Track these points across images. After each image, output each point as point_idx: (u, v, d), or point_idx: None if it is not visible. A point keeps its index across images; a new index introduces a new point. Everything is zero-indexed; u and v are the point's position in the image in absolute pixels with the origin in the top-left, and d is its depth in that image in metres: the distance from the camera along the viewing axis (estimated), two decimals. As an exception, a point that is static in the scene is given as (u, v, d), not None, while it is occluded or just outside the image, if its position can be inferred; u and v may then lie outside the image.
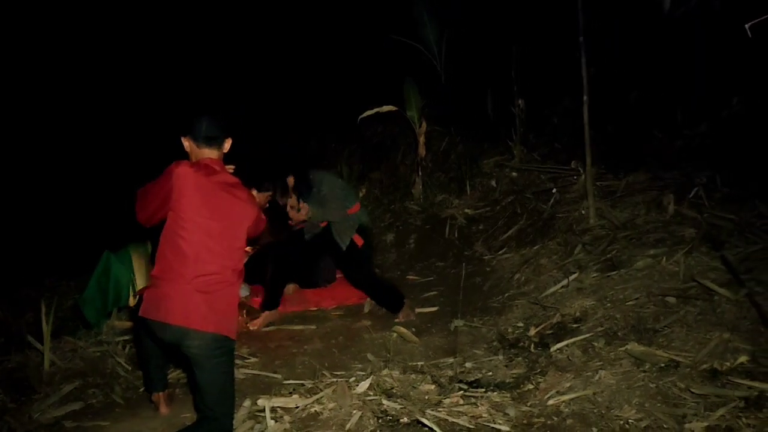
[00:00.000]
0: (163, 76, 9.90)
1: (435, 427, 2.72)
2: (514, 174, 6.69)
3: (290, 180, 4.80)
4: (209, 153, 2.92)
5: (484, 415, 2.95)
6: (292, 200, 4.74)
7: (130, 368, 3.74)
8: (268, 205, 4.98)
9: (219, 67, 10.34)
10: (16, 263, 5.94)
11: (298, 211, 4.66)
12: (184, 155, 2.97)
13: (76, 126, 9.13)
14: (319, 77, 10.11)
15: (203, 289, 2.68)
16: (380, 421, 2.92)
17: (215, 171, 2.87)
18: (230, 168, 3.14)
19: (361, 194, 7.90)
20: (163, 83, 9.73)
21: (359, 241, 4.84)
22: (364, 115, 6.77)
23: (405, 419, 2.90)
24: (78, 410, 3.37)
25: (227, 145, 3.00)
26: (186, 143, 2.96)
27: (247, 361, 4.06)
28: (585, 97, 5.15)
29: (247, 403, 3.23)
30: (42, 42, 9.40)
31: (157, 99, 9.11)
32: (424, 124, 7.16)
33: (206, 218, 2.76)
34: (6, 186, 7.91)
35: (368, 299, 5.17)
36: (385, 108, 6.82)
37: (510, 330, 4.13)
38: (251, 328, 4.77)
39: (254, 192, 3.57)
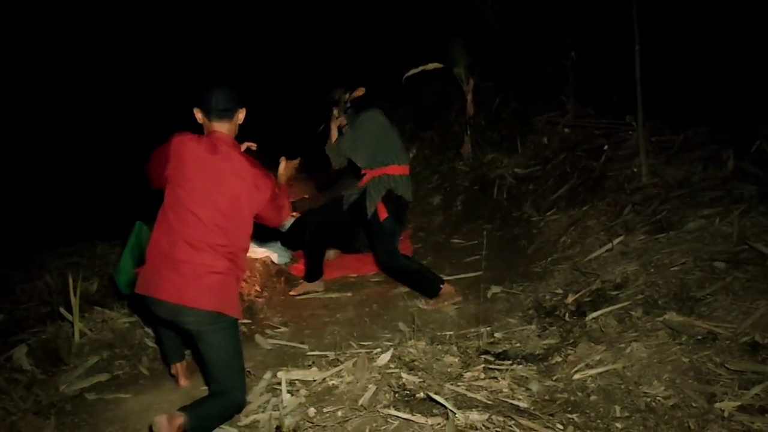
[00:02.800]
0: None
1: (448, 405, 2.61)
2: (567, 130, 6.40)
3: (359, 91, 4.45)
4: (219, 126, 2.85)
5: (504, 390, 2.81)
6: (337, 111, 4.48)
7: (156, 341, 3.78)
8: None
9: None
10: (68, 230, 6.12)
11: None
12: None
13: (116, 101, 9.34)
14: (371, 37, 9.91)
15: (196, 265, 2.64)
16: (396, 395, 2.82)
17: (220, 148, 2.78)
18: (249, 145, 3.05)
19: (411, 155, 7.74)
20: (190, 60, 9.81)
21: (383, 213, 4.28)
22: (410, 73, 6.60)
23: (421, 394, 2.80)
24: (104, 381, 3.43)
25: (241, 116, 2.93)
26: (198, 115, 2.90)
27: (276, 330, 4.05)
28: (636, 47, 4.83)
29: (267, 375, 3.20)
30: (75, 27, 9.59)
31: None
32: (471, 82, 6.91)
33: (202, 195, 2.70)
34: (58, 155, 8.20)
35: None
36: (431, 65, 6.63)
37: (548, 297, 3.95)
38: (292, 294, 4.74)
39: (282, 161, 3.44)
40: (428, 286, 4.35)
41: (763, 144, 4.62)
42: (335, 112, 4.51)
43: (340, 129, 4.54)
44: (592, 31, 6.75)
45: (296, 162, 3.52)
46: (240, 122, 2.94)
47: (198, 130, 2.92)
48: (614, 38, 6.57)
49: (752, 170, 4.46)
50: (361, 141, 4.30)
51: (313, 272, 4.80)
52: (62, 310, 3.84)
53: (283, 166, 3.40)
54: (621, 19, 5.14)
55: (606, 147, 5.62)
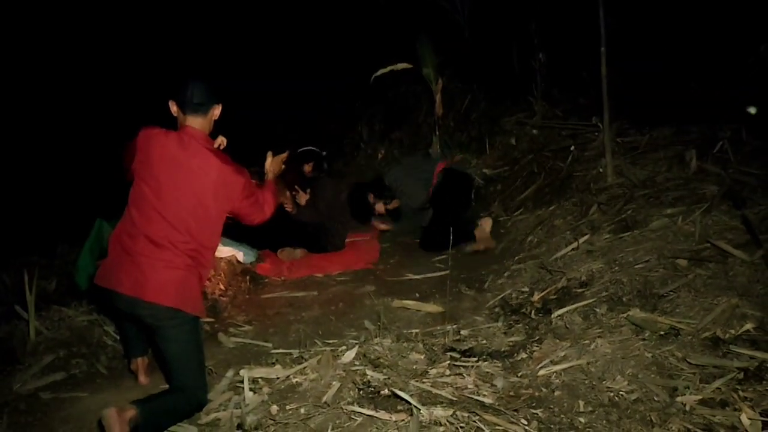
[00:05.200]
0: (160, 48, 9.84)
1: (412, 401, 2.58)
2: (535, 132, 6.44)
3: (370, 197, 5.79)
4: (192, 121, 2.80)
5: (469, 386, 2.79)
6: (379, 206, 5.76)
7: (117, 337, 3.69)
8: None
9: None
10: (28, 230, 5.99)
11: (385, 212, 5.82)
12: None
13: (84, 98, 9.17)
14: (342, 37, 9.86)
15: (155, 260, 2.58)
16: (361, 392, 2.79)
17: (189, 143, 2.73)
18: (220, 141, 3.00)
19: (379, 155, 7.75)
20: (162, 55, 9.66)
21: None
22: (378, 73, 6.57)
23: (386, 391, 2.77)
24: (59, 381, 3.34)
25: (216, 111, 2.87)
26: (173, 108, 2.84)
27: (240, 329, 4.00)
28: (602, 49, 4.87)
29: (229, 373, 3.15)
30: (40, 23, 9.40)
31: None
32: (440, 82, 6.91)
33: (167, 191, 2.65)
34: (23, 153, 8.02)
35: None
36: (400, 66, 6.60)
37: (514, 295, 3.96)
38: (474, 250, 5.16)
39: (268, 157, 3.37)
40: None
41: (725, 145, 4.68)
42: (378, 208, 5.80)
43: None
44: (559, 33, 6.80)
45: (284, 156, 3.46)
46: (215, 118, 2.89)
47: (172, 123, 2.87)
48: (581, 40, 6.64)
49: (714, 170, 4.52)
50: (405, 195, 5.49)
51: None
52: (18, 308, 3.74)
53: (270, 161, 3.34)
54: (588, 21, 5.16)
55: (573, 148, 5.66)
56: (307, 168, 6.00)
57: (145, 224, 2.62)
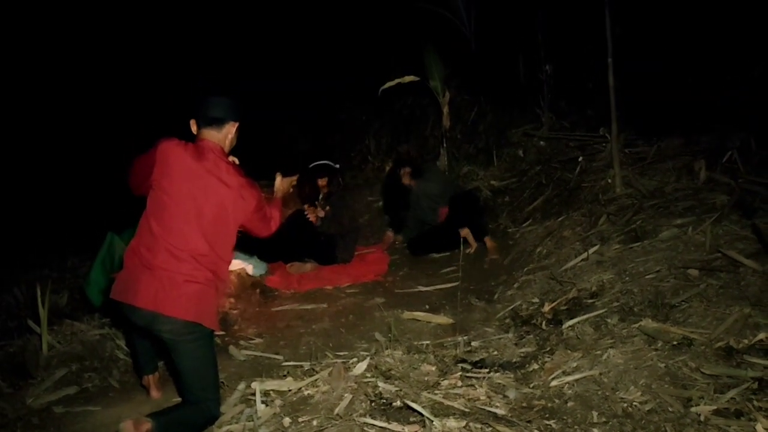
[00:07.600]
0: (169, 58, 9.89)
1: (425, 413, 2.58)
2: (542, 143, 6.45)
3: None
4: (208, 134, 2.80)
5: (482, 397, 2.79)
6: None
7: (129, 351, 3.70)
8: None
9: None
10: (38, 243, 6.02)
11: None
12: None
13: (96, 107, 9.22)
14: (350, 50, 9.90)
15: (174, 273, 2.59)
16: (373, 404, 2.79)
17: (207, 155, 2.74)
18: (233, 159, 3.00)
19: (387, 168, 7.77)
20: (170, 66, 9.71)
21: None
22: (386, 86, 6.58)
23: (398, 403, 2.76)
24: (72, 395, 3.35)
25: (232, 129, 2.86)
26: (193, 127, 2.85)
27: (251, 341, 4.00)
28: (609, 60, 4.88)
29: (241, 386, 3.14)
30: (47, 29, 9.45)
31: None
32: (447, 94, 6.94)
33: (187, 202, 2.65)
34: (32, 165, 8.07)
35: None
36: (407, 78, 6.61)
37: (524, 306, 3.95)
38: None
39: (278, 177, 3.39)
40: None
41: (734, 155, 4.68)
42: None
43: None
44: (566, 44, 6.82)
45: (293, 179, 3.47)
46: (230, 135, 2.87)
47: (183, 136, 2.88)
48: (587, 50, 6.66)
49: (723, 180, 4.52)
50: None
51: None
52: (30, 322, 3.75)
53: (279, 181, 3.35)
54: (594, 31, 5.18)
55: (580, 159, 5.66)
56: (321, 182, 5.95)
57: (166, 236, 2.62)
